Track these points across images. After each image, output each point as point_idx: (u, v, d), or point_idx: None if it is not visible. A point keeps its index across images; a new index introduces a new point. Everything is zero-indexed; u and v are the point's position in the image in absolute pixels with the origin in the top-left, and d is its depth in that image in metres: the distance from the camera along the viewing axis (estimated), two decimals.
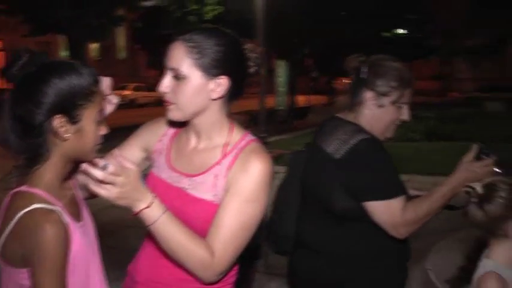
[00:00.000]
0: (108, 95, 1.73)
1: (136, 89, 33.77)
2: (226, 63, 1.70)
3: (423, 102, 22.24)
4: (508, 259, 1.95)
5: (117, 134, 1.74)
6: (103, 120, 1.59)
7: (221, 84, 1.70)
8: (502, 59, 35.73)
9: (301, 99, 28.81)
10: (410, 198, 2.19)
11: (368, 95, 2.24)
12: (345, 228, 2.21)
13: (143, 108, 26.84)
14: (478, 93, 29.76)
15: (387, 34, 28.05)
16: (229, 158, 1.74)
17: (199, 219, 1.70)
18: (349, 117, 2.29)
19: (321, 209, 2.24)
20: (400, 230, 2.12)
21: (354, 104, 2.29)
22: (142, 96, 32.99)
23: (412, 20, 28.92)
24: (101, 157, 1.57)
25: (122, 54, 47.10)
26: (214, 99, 1.73)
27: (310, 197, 2.30)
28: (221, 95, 1.72)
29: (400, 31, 30.12)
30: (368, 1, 22.98)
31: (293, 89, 25.81)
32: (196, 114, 1.74)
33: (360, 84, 2.26)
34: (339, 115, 2.33)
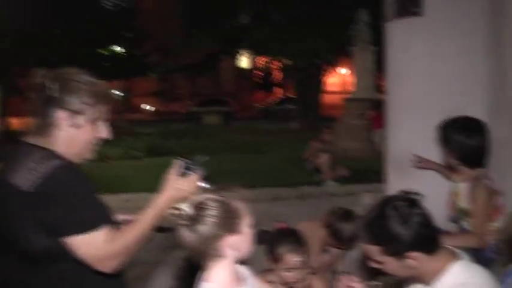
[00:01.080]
0: None
1: None
2: None
3: (143, 119, 22.75)
4: (226, 279, 1.85)
5: None
6: None
7: None
8: (215, 75, 38.17)
9: (17, 122, 26.99)
10: (118, 224, 2.02)
11: (60, 114, 1.98)
12: (45, 271, 1.93)
13: None
14: (197, 108, 31.53)
15: (104, 52, 27.97)
16: None
17: None
18: (39, 141, 1.98)
19: (13, 251, 1.92)
20: (108, 264, 1.92)
21: (45, 125, 1.99)
22: None
23: (129, 38, 29.32)
24: None
25: None
26: None
27: None
28: None
29: (118, 48, 30.34)
30: (83, 18, 22.60)
31: (5, 111, 23.99)
32: None
33: (49, 103, 1.98)
34: (27, 140, 2.00)
